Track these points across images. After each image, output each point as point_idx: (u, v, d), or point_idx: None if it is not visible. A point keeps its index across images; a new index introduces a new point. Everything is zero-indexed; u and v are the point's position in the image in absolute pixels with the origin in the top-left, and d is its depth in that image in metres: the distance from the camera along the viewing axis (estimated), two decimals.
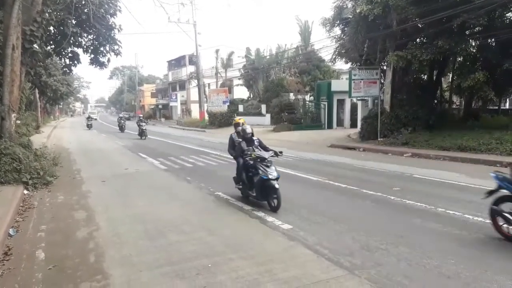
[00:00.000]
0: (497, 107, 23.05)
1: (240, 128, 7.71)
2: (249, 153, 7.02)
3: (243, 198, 7.68)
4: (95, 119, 46.40)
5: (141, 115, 29.96)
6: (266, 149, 7.25)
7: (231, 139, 8.02)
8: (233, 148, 7.92)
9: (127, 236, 5.56)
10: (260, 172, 6.71)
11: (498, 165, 11.63)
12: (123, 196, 8.32)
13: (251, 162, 7.00)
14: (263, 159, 6.83)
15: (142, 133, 24.18)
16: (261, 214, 6.55)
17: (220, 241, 5.26)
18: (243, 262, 4.52)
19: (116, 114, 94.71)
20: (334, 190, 8.53)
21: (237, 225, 6.06)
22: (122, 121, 33.76)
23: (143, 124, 24.50)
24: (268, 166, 6.74)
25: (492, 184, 5.48)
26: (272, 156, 7.02)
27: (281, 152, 7.33)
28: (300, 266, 4.38)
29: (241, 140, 7.51)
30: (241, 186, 7.60)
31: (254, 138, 7.40)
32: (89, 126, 36.91)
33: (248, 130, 7.35)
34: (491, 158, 12.26)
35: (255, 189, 6.93)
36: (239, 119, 8.56)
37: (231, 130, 8.77)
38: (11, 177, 8.41)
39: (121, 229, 5.89)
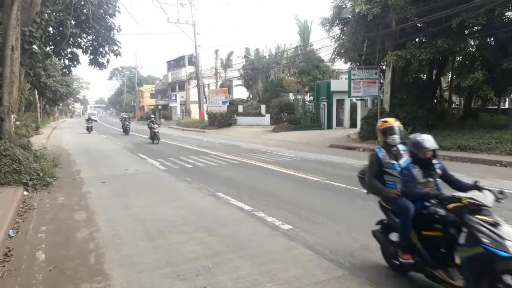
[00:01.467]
0: (496, 107, 23.11)
1: (395, 137, 4.11)
2: (444, 195, 3.57)
3: (243, 198, 7.67)
4: (95, 120, 38.26)
5: (153, 116, 25.69)
6: (463, 185, 3.81)
7: (376, 160, 4.16)
8: (379, 175, 4.16)
9: (127, 236, 5.56)
10: (484, 239, 3.10)
11: (497, 164, 11.65)
12: (123, 196, 8.32)
13: (442, 212, 3.61)
14: (478, 209, 3.29)
15: (154, 137, 21.06)
16: (261, 214, 6.55)
17: (220, 242, 5.26)
18: (243, 262, 4.52)
19: (116, 115, 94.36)
20: (334, 190, 8.53)
21: (237, 225, 6.06)
22: (127, 123, 30.36)
23: (155, 126, 21.36)
24: (495, 225, 3.15)
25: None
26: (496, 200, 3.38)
27: (502, 193, 3.42)
28: (300, 266, 4.38)
29: (403, 163, 4.02)
30: (410, 260, 3.81)
31: (435, 160, 3.97)
32: (89, 129, 32.19)
33: (428, 142, 3.85)
34: (491, 158, 12.28)
35: (465, 273, 3.25)
36: (395, 120, 4.31)
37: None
38: (11, 178, 8.40)
39: (121, 229, 5.89)
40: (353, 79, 17.89)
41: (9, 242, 5.35)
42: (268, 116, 34.14)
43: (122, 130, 30.52)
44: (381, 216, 4.31)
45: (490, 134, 14.25)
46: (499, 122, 17.53)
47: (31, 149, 11.07)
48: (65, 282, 4.13)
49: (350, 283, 3.94)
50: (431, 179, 3.86)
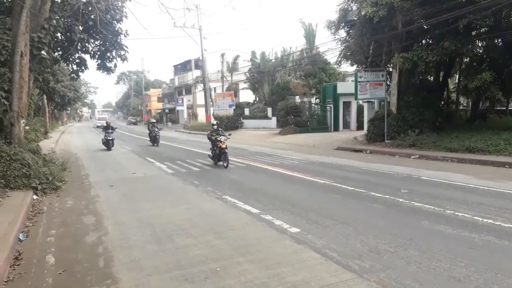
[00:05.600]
0: (504, 108, 22.89)
1: None
2: None
3: (250, 201, 7.68)
4: (115, 129, 22.36)
5: (215, 122, 16.51)
6: None
7: None
8: None
9: (136, 240, 5.59)
10: None
11: (507, 166, 11.54)
12: (131, 200, 8.36)
13: None
14: None
15: (221, 155, 12.91)
16: (268, 217, 6.54)
17: (228, 245, 5.27)
18: (251, 265, 4.52)
19: (123, 119, 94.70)
20: (341, 193, 8.51)
21: (244, 228, 6.06)
22: (156, 129, 22.21)
23: (223, 137, 13.09)
24: None
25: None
26: None
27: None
28: (308, 269, 4.37)
29: None
30: None
31: None
32: (108, 145, 19.89)
33: None
34: (500, 159, 12.16)
35: None
36: None
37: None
38: (21, 182, 8.49)
39: (129, 233, 5.92)
40: (359, 82, 17.85)
41: (19, 245, 5.41)
42: (274, 119, 34.15)
43: (149, 139, 23.02)
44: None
45: (499, 136, 14.12)
46: (507, 123, 17.35)
47: (40, 153, 11.18)
48: (74, 286, 4.17)
49: (359, 287, 3.93)
50: None
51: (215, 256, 4.85)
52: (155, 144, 22.03)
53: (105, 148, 20.01)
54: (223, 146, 12.73)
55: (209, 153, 13.99)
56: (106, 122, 22.12)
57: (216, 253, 4.94)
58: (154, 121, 24.74)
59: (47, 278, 4.36)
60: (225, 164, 12.75)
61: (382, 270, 4.29)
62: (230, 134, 14.20)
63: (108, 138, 19.95)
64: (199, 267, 4.52)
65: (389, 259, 4.62)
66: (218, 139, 12.93)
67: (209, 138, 13.83)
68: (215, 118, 37.16)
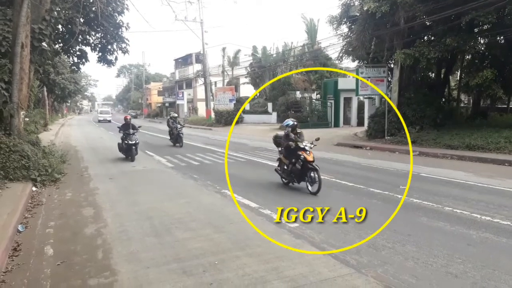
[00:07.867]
0: (506, 106, 22.83)
1: None
2: None
3: (250, 196, 7.69)
4: (139, 127, 15.06)
5: (292, 122, 8.61)
6: None
7: None
8: None
9: (135, 232, 5.60)
10: None
11: (506, 164, 11.54)
12: (130, 193, 8.37)
13: None
14: None
15: (304, 173, 8.00)
16: (267, 212, 6.56)
17: (227, 238, 5.28)
18: (250, 259, 4.53)
19: (124, 112, 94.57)
20: (340, 189, 8.51)
21: (243, 222, 6.07)
22: (179, 126, 18.07)
23: (308, 145, 8.04)
24: None
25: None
26: None
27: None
28: (306, 264, 4.38)
29: None
30: None
31: None
32: (132, 153, 13.33)
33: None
34: (500, 157, 12.16)
35: None
36: None
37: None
38: (20, 174, 8.50)
39: (128, 225, 5.93)
40: None
41: (18, 236, 5.42)
42: (275, 114, 34.10)
43: (169, 138, 18.88)
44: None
45: (499, 134, 14.10)
46: (508, 121, 17.32)
47: (39, 145, 11.18)
48: (73, 277, 4.18)
49: (356, 281, 3.94)
50: None
51: (214, 249, 4.86)
52: (178, 144, 17.72)
53: (127, 158, 13.48)
54: (310, 158, 7.86)
55: (276, 166, 9.26)
56: (125, 119, 14.40)
57: (215, 247, 4.95)
58: (176, 115, 19.83)
59: (45, 269, 4.38)
60: (313, 189, 7.84)
61: (380, 266, 4.30)
62: (318, 139, 8.49)
63: (130, 142, 13.26)
64: (198, 260, 4.53)
65: (387, 254, 4.63)
66: (301, 146, 8.00)
67: (285, 146, 8.46)
68: (215, 113, 37.05)
